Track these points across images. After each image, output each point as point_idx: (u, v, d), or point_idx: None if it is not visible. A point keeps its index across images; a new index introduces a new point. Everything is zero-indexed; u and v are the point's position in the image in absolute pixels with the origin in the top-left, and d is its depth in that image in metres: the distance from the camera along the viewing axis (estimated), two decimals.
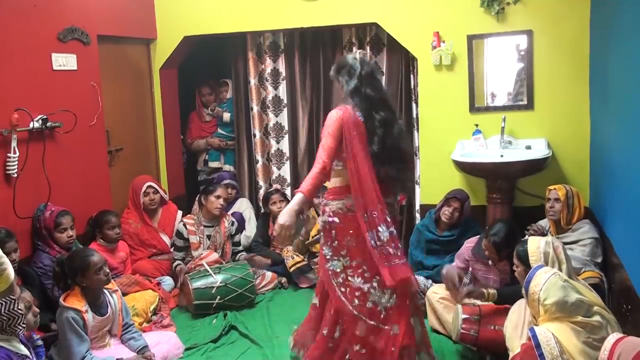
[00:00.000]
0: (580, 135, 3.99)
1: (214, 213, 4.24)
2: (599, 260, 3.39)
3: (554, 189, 3.57)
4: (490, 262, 3.36)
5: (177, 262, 4.17)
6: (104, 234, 3.80)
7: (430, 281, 3.73)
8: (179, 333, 3.56)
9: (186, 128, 5.37)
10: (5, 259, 1.74)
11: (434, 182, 4.23)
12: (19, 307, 2.32)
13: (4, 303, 2.28)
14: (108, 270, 3.09)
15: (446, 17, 4.14)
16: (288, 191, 5.01)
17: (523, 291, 2.65)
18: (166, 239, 4.36)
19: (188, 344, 3.47)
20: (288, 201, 4.69)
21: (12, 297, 2.31)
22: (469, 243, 3.52)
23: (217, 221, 4.32)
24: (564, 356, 2.37)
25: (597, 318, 2.46)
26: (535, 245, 2.75)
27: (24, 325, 2.39)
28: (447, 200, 3.89)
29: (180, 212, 4.51)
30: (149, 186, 4.33)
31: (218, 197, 4.25)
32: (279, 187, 4.87)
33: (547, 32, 3.99)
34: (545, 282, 2.47)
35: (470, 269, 3.49)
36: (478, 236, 3.53)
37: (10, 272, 1.76)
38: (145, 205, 4.30)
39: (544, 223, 3.66)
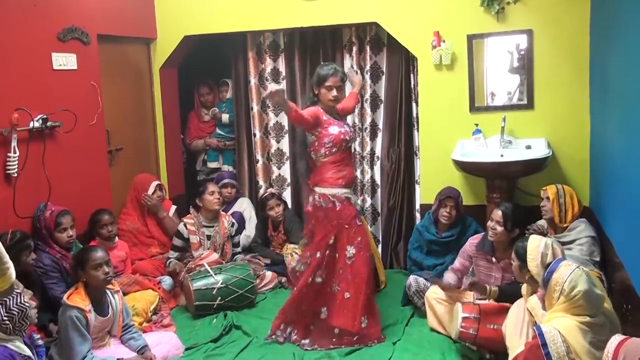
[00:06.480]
0: (580, 135, 3.99)
1: (215, 208, 4.24)
2: (597, 258, 3.39)
3: (546, 188, 3.59)
4: (493, 260, 3.37)
5: (171, 259, 4.15)
6: (97, 233, 3.83)
7: (429, 283, 3.72)
8: (179, 333, 3.57)
9: (185, 128, 5.37)
10: (9, 260, 1.79)
11: (433, 181, 4.22)
12: (26, 300, 2.36)
13: (11, 297, 2.31)
14: (108, 270, 3.05)
15: (446, 16, 4.14)
16: (288, 191, 5.00)
17: (541, 282, 2.60)
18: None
19: (188, 344, 3.47)
20: (285, 204, 4.69)
21: (17, 291, 2.34)
22: (474, 239, 3.54)
23: (217, 221, 4.31)
24: (570, 356, 2.32)
25: (601, 318, 2.43)
26: (535, 244, 2.74)
27: (32, 317, 2.42)
28: (441, 201, 3.89)
29: (174, 207, 4.53)
30: (158, 185, 4.38)
31: (212, 192, 4.25)
32: (274, 191, 4.74)
33: (547, 32, 3.98)
34: (571, 274, 2.44)
35: (473, 266, 3.50)
36: (481, 233, 3.55)
37: (12, 272, 1.83)
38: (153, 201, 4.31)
39: (543, 223, 3.66)
